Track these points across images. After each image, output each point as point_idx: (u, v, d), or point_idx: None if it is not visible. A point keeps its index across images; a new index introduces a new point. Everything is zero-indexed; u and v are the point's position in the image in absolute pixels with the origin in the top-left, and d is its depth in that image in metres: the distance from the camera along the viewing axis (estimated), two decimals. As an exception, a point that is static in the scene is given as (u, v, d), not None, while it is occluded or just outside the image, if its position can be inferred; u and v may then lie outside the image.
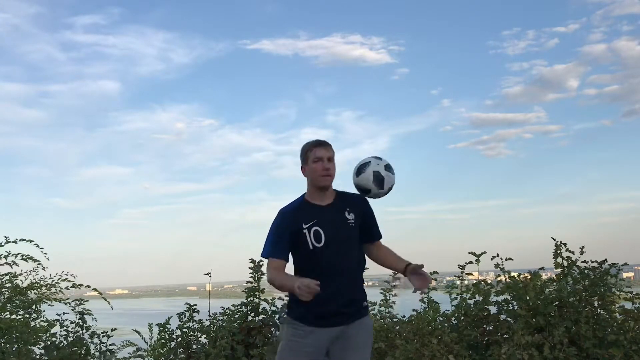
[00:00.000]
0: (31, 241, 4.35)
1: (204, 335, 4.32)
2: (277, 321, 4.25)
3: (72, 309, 4.40)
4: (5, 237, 4.26)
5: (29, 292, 4.48)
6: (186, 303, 4.43)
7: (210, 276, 4.57)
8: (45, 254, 4.43)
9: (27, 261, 4.33)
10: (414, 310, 4.48)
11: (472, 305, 4.41)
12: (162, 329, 4.37)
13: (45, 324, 4.47)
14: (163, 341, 4.36)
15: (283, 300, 4.22)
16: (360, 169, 2.65)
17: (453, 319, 4.44)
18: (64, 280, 4.54)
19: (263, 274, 4.35)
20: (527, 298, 4.24)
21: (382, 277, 4.60)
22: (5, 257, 4.25)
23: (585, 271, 4.34)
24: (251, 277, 4.35)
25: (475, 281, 4.54)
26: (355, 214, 2.60)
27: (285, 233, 2.50)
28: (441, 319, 4.46)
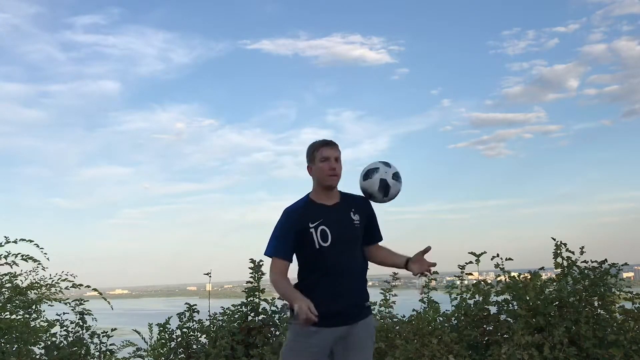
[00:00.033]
0: (31, 241, 4.36)
1: (204, 335, 4.32)
2: (278, 321, 4.25)
3: (72, 309, 4.40)
4: (5, 237, 4.27)
5: (29, 292, 4.48)
6: (186, 303, 4.43)
7: (210, 276, 4.58)
8: (45, 254, 4.44)
9: (27, 261, 4.33)
10: (414, 310, 4.48)
11: (472, 305, 4.41)
12: (162, 329, 4.37)
13: (45, 324, 4.48)
14: (163, 341, 4.36)
15: (283, 300, 4.22)
16: (367, 174, 2.65)
17: (453, 319, 4.44)
18: (64, 280, 4.55)
19: (263, 274, 4.35)
20: (527, 298, 4.24)
21: (382, 277, 4.61)
22: (5, 257, 4.25)
23: (585, 271, 4.34)
24: (251, 277, 4.35)
25: (475, 281, 4.54)
26: (360, 215, 2.62)
27: (290, 232, 2.50)
28: (441, 319, 4.46)
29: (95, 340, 4.35)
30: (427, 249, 2.63)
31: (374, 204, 2.71)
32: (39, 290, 4.52)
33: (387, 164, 2.65)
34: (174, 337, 4.34)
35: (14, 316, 4.32)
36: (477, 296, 4.43)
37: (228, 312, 4.36)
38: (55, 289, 4.57)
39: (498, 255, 4.44)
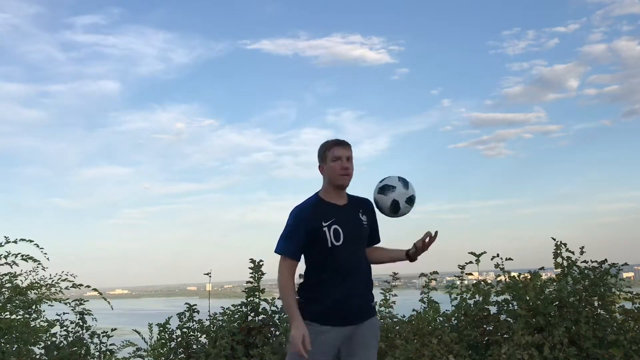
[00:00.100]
0: (31, 241, 4.35)
1: (204, 335, 4.31)
2: (278, 321, 4.25)
3: (72, 309, 4.39)
4: (5, 237, 4.26)
5: (29, 292, 4.48)
6: (186, 303, 4.42)
7: (210, 276, 4.57)
8: (45, 254, 4.43)
9: (27, 261, 4.33)
10: (414, 310, 4.48)
11: (472, 305, 4.41)
12: (162, 329, 4.37)
13: (45, 324, 4.47)
14: (163, 341, 4.36)
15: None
16: (383, 189, 2.64)
17: (453, 319, 4.44)
18: (64, 280, 4.54)
19: (263, 274, 4.35)
20: (527, 298, 4.24)
21: (382, 277, 4.60)
22: (5, 257, 4.25)
23: (585, 271, 4.34)
24: (251, 277, 4.35)
25: (475, 281, 4.54)
26: (367, 216, 2.66)
27: (300, 231, 2.50)
28: (441, 319, 4.46)
29: (95, 340, 4.35)
30: (426, 237, 2.61)
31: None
32: (39, 290, 4.52)
33: (405, 185, 2.63)
34: (174, 337, 4.34)
35: (14, 316, 4.32)
36: (477, 296, 4.43)
37: (228, 312, 4.36)
38: (55, 289, 4.57)
39: (498, 255, 4.44)
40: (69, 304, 4.42)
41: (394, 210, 2.62)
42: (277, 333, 4.22)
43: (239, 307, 4.34)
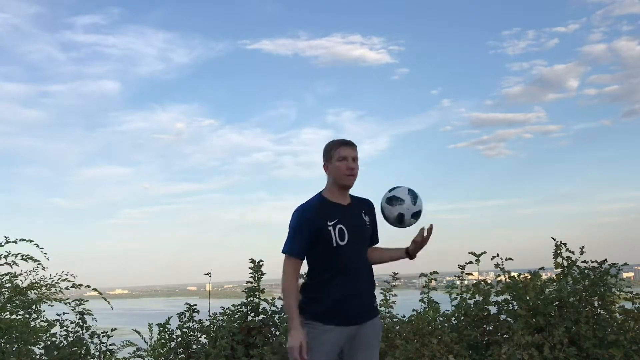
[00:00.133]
0: (31, 241, 4.35)
1: (204, 335, 4.31)
2: (278, 321, 4.25)
3: (72, 309, 4.39)
4: (5, 237, 4.26)
5: (29, 292, 4.48)
6: (186, 303, 4.42)
7: (210, 276, 4.57)
8: (45, 254, 4.43)
9: (27, 261, 4.32)
10: (414, 310, 4.48)
11: (472, 305, 4.41)
12: (162, 329, 4.37)
13: (45, 324, 4.47)
14: (163, 341, 4.36)
15: (282, 300, 4.21)
16: (391, 200, 2.63)
17: (453, 319, 4.44)
18: (64, 280, 4.54)
19: (263, 274, 4.35)
20: (527, 298, 4.24)
21: (382, 277, 4.60)
22: (5, 257, 4.24)
23: (585, 271, 4.34)
24: (251, 277, 4.35)
25: (475, 281, 4.54)
26: (369, 217, 2.68)
27: (305, 230, 2.50)
28: (441, 319, 4.46)
29: (95, 340, 4.34)
30: (423, 231, 2.62)
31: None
32: (39, 290, 4.52)
33: (414, 200, 2.62)
34: (174, 337, 4.34)
35: (14, 316, 4.32)
36: (477, 296, 4.43)
37: (228, 312, 4.36)
38: (55, 289, 4.57)
39: (498, 255, 4.44)
40: (69, 304, 4.42)
41: (399, 222, 2.63)
42: (277, 333, 4.22)
43: (239, 307, 4.34)
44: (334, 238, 2.49)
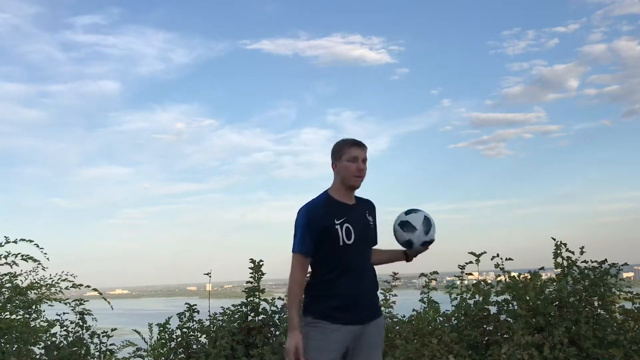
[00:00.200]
0: (31, 241, 4.36)
1: (204, 335, 4.32)
2: (278, 321, 4.25)
3: (72, 309, 4.40)
4: (5, 237, 4.27)
5: (29, 292, 4.48)
6: (186, 303, 4.43)
7: (210, 276, 4.57)
8: (45, 254, 4.44)
9: (27, 261, 4.33)
10: (414, 310, 4.48)
11: (472, 305, 4.41)
12: (162, 329, 4.37)
13: (45, 324, 4.48)
14: (163, 341, 4.36)
15: (283, 300, 4.22)
16: (404, 225, 2.66)
17: (453, 319, 4.44)
18: (64, 280, 4.55)
19: (263, 274, 4.35)
20: (527, 298, 4.24)
21: (382, 277, 4.60)
22: (5, 257, 4.25)
23: (585, 271, 4.33)
24: (251, 277, 4.35)
25: (475, 281, 4.54)
26: (372, 217, 2.69)
27: (311, 229, 2.49)
28: (441, 319, 4.46)
29: (95, 340, 4.35)
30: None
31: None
32: (39, 290, 4.52)
33: (427, 231, 2.64)
34: (174, 337, 4.34)
35: (14, 316, 4.32)
36: (477, 296, 4.43)
37: (228, 312, 4.36)
38: (55, 289, 4.57)
39: (498, 255, 4.44)
40: (69, 304, 4.42)
41: (407, 246, 2.68)
42: (277, 333, 4.22)
43: (239, 307, 4.34)
44: (341, 237, 2.49)
